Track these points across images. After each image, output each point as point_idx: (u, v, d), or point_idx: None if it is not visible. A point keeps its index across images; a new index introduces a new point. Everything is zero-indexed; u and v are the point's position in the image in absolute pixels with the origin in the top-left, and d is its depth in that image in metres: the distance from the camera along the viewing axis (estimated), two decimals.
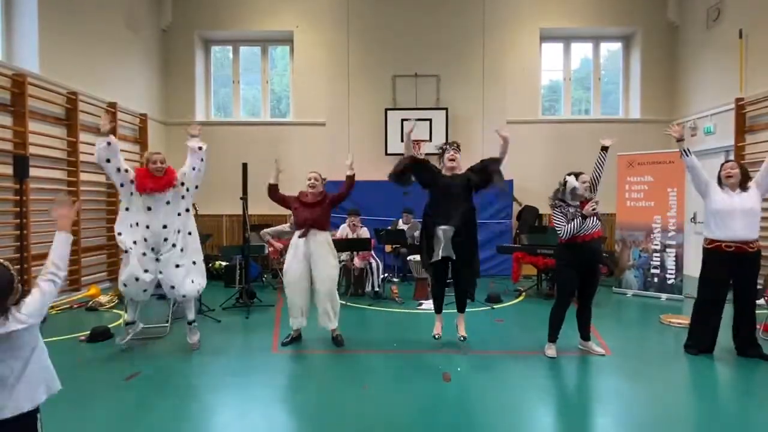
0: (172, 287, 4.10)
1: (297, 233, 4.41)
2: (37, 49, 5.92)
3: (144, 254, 4.04)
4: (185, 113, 8.98)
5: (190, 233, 4.22)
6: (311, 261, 4.37)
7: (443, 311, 4.50)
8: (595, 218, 3.99)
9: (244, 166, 6.09)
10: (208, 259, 7.93)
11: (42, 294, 1.80)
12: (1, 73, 5.38)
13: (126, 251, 4.07)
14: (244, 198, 5.96)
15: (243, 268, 6.23)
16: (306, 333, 4.63)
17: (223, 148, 8.89)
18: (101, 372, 3.77)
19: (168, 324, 4.86)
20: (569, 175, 4.11)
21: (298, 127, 8.97)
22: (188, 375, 3.75)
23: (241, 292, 6.01)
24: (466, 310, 4.48)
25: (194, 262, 4.23)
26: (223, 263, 7.69)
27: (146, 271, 4.04)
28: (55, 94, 6.14)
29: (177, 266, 4.08)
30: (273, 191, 4.55)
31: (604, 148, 4.29)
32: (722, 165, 4.09)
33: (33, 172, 5.45)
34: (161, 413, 3.08)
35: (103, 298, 5.93)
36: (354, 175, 4.51)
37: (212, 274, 7.83)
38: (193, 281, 4.18)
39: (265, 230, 7.29)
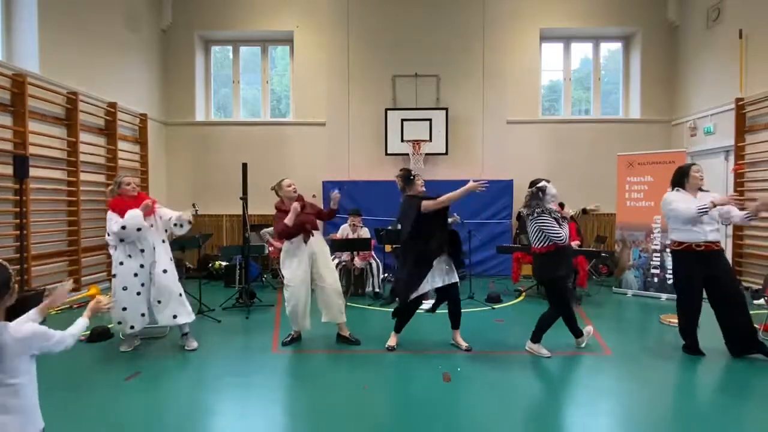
0: (175, 316, 4.19)
1: (297, 239, 4.36)
2: (37, 49, 5.92)
3: (143, 284, 4.16)
4: (185, 113, 8.99)
5: (172, 261, 4.34)
6: (315, 261, 4.40)
7: (438, 311, 4.53)
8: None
9: (244, 166, 6.09)
10: (207, 259, 8.03)
11: (47, 333, 1.77)
12: (1, 73, 5.38)
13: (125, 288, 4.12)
14: (244, 198, 5.95)
15: (243, 268, 6.23)
16: (306, 333, 4.62)
17: (223, 148, 8.91)
18: (101, 372, 3.77)
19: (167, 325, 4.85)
20: (541, 181, 4.12)
21: (298, 127, 8.96)
22: (188, 375, 3.76)
23: (241, 292, 6.00)
24: (467, 310, 4.47)
25: (180, 294, 4.32)
26: (223, 263, 7.69)
27: (138, 294, 4.16)
28: (55, 94, 6.14)
29: (180, 295, 4.22)
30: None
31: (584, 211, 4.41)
32: (691, 167, 4.15)
33: (33, 172, 5.45)
34: (161, 413, 3.08)
35: (103, 298, 5.92)
36: (336, 210, 4.59)
37: (212, 274, 7.84)
38: (191, 310, 4.33)
39: (265, 230, 7.29)
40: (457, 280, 4.29)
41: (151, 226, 4.19)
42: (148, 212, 4.15)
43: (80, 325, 1.98)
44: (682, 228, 4.02)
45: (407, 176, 4.32)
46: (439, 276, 4.18)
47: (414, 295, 4.14)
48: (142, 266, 4.14)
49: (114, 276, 4.17)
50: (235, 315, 5.58)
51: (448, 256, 4.21)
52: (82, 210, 6.49)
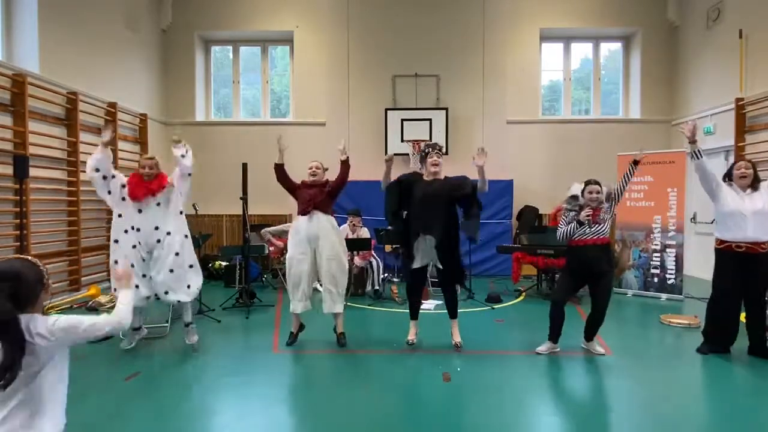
0: (166, 292, 4.11)
1: (300, 216, 4.34)
2: (37, 49, 5.92)
3: (143, 259, 4.10)
4: (185, 113, 8.99)
5: (186, 236, 4.21)
6: (315, 242, 4.29)
7: (438, 311, 4.50)
8: (598, 225, 4.00)
9: (244, 166, 6.09)
10: (207, 259, 8.02)
11: (87, 322, 1.71)
12: (1, 73, 5.38)
13: (116, 262, 4.09)
14: (244, 198, 5.95)
15: (243, 268, 6.23)
16: (306, 333, 4.61)
17: (223, 148, 8.91)
18: (101, 372, 3.77)
19: (167, 324, 4.85)
20: (580, 183, 4.20)
21: (298, 127, 8.96)
22: (188, 375, 3.75)
23: (241, 292, 6.00)
24: (467, 310, 4.46)
25: (191, 266, 4.21)
26: (223, 263, 7.68)
27: (144, 276, 4.10)
28: (55, 94, 6.13)
29: (171, 271, 4.08)
30: (279, 171, 4.53)
31: (635, 162, 4.16)
32: (735, 164, 4.06)
33: (33, 172, 5.44)
34: (161, 413, 3.08)
35: (102, 298, 5.93)
36: (348, 159, 4.49)
37: (212, 274, 7.84)
38: (189, 286, 4.16)
39: (265, 230, 7.30)
40: (450, 267, 4.16)
41: (158, 204, 4.09)
42: (148, 192, 4.06)
43: (126, 300, 1.90)
44: (723, 224, 3.94)
45: (422, 152, 4.30)
46: (426, 256, 4.14)
47: (415, 265, 4.16)
48: (140, 243, 4.07)
49: (116, 241, 4.10)
50: (235, 315, 5.58)
51: (437, 244, 4.08)
52: (82, 210, 6.49)
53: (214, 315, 5.43)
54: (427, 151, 4.24)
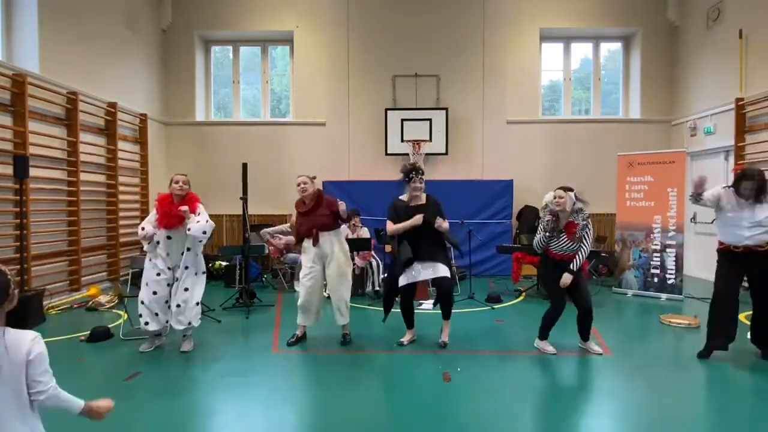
0: (166, 321, 4.23)
1: (308, 240, 4.43)
2: (37, 49, 5.92)
3: (169, 284, 4.19)
4: (185, 113, 8.99)
5: (196, 274, 4.30)
6: (324, 261, 4.44)
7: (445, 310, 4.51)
8: (570, 242, 4.00)
9: (244, 166, 6.09)
10: (207, 259, 7.99)
11: (50, 373, 1.65)
12: (1, 73, 5.38)
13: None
14: (244, 198, 5.95)
15: (243, 268, 6.23)
16: (307, 333, 4.62)
17: (223, 148, 8.92)
18: (101, 372, 3.77)
19: (168, 324, 4.84)
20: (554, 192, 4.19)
21: (298, 127, 8.97)
22: (188, 375, 3.75)
23: (241, 292, 6.00)
24: (467, 309, 4.47)
25: (197, 303, 4.27)
26: (223, 263, 7.69)
27: (156, 314, 4.20)
28: (55, 94, 6.13)
29: (178, 306, 4.16)
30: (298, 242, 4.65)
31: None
32: (743, 177, 3.87)
33: (33, 172, 5.45)
34: (161, 413, 3.08)
35: (103, 298, 5.93)
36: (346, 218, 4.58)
37: (212, 274, 7.84)
38: (190, 323, 4.23)
39: (265, 230, 7.29)
40: (446, 274, 4.23)
41: (189, 229, 4.15)
42: (177, 221, 4.14)
43: (75, 403, 1.73)
44: (722, 228, 3.97)
45: (405, 175, 4.32)
46: (423, 270, 4.24)
47: (402, 283, 4.26)
48: (170, 268, 4.18)
49: (144, 268, 4.24)
50: (235, 315, 5.58)
51: (431, 259, 4.23)
52: (82, 210, 6.49)
53: (214, 315, 5.43)
54: (411, 176, 4.27)
